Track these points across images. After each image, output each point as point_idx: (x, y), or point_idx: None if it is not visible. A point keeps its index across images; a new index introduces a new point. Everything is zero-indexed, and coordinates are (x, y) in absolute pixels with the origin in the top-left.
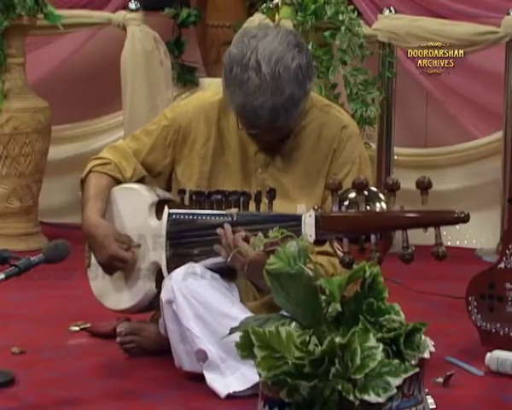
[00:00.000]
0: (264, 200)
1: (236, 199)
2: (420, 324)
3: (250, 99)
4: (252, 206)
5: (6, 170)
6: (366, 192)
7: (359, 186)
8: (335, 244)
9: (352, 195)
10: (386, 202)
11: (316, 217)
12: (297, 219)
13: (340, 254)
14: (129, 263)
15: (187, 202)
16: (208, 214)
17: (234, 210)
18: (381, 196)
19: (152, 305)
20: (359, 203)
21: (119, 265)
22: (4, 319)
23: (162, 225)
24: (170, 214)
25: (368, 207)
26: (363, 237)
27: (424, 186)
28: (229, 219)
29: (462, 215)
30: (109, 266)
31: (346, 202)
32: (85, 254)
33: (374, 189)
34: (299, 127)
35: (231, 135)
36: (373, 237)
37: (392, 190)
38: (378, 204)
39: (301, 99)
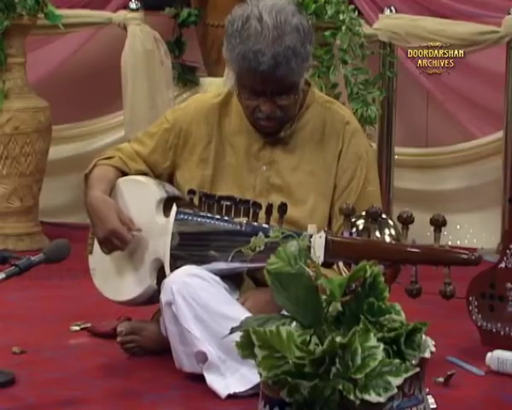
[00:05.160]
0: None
1: (246, 208)
2: (420, 323)
3: (250, 45)
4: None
5: (6, 170)
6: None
7: (373, 215)
8: (342, 267)
9: (365, 222)
10: (395, 229)
11: (326, 239)
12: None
13: None
14: (127, 246)
15: (196, 202)
16: (216, 220)
17: (243, 219)
18: (391, 222)
19: (152, 299)
20: (371, 231)
21: (117, 244)
22: (4, 319)
23: (169, 223)
24: (178, 213)
25: (378, 234)
26: None
27: (439, 224)
28: (238, 227)
29: (473, 257)
30: (108, 243)
31: (358, 228)
32: (88, 241)
33: (384, 216)
34: (302, 122)
35: (233, 135)
36: (381, 266)
37: (405, 223)
38: (387, 231)
39: (302, 57)
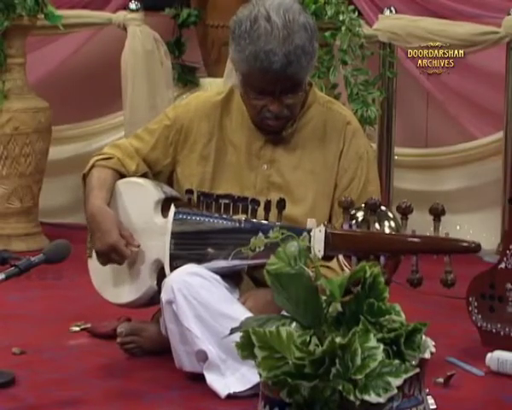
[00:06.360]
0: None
1: (245, 205)
2: (420, 324)
3: (262, 45)
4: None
5: (6, 170)
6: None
7: (372, 207)
8: (342, 260)
9: (364, 214)
10: (395, 220)
11: (326, 233)
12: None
13: (347, 271)
14: (125, 261)
15: (194, 202)
16: (215, 218)
17: (242, 216)
18: (390, 214)
19: (152, 301)
20: (370, 223)
21: (115, 258)
22: (4, 319)
23: (168, 223)
24: (176, 213)
25: (377, 226)
26: (372, 257)
27: (438, 213)
28: (237, 225)
29: (473, 245)
30: (106, 257)
31: (357, 221)
32: (87, 245)
33: (383, 208)
34: (303, 122)
35: (235, 133)
36: (382, 257)
37: (404, 213)
38: (387, 222)
39: (311, 54)
